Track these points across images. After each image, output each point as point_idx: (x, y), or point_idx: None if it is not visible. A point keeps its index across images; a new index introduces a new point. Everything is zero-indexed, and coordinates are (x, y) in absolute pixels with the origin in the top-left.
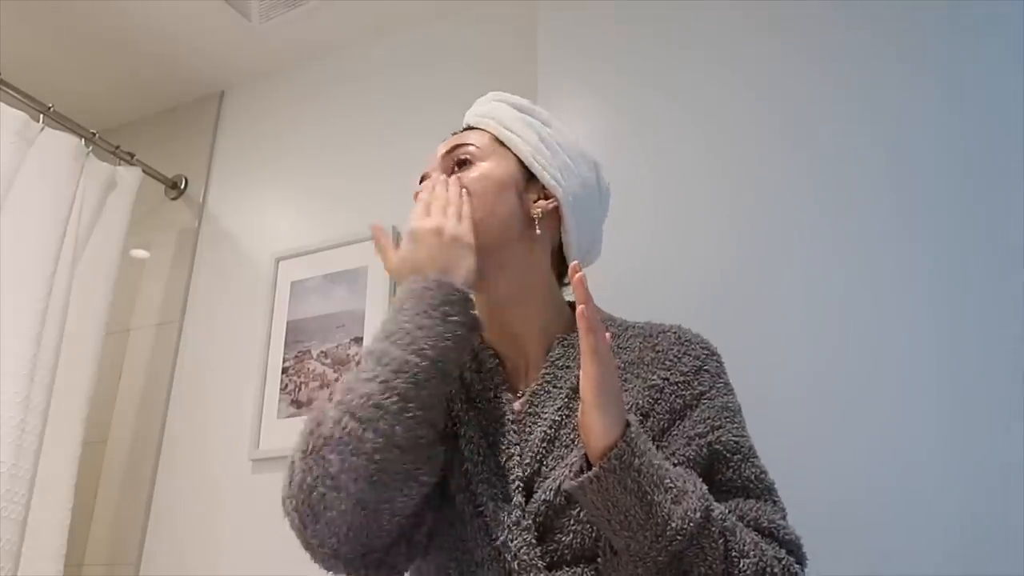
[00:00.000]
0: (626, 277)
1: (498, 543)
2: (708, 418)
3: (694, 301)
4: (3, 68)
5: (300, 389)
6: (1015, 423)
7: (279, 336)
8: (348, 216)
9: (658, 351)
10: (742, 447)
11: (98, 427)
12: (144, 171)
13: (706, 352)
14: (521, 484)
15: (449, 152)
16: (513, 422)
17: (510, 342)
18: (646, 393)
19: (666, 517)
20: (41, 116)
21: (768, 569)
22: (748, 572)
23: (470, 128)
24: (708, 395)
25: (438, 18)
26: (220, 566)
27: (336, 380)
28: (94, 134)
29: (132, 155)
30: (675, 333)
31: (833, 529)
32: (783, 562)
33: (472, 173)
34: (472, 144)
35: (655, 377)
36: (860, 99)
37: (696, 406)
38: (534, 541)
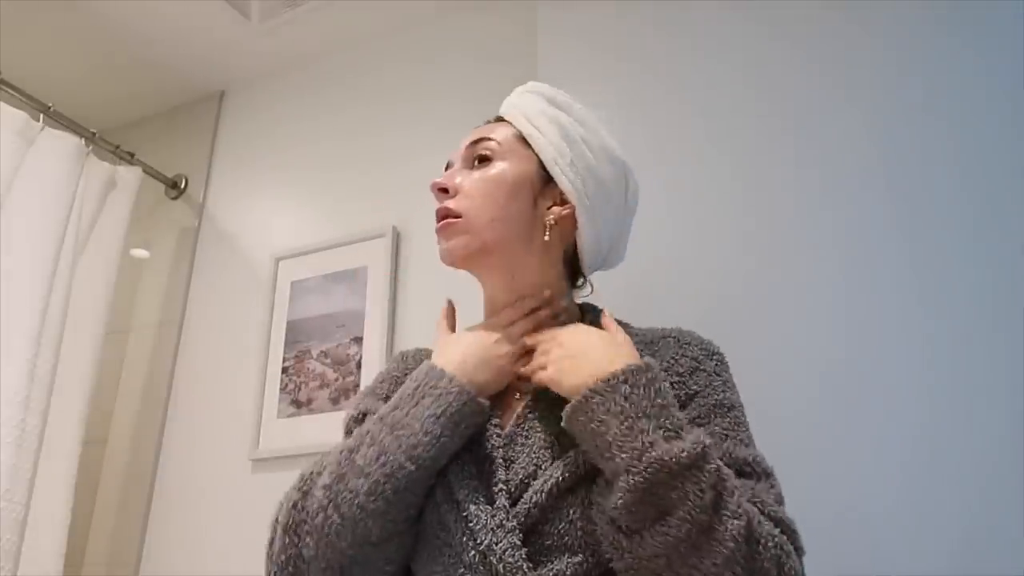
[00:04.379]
0: (629, 274)
1: (483, 546)
2: (697, 417)
3: (700, 299)
4: (3, 68)
5: (300, 389)
6: (1016, 423)
7: (279, 336)
8: (348, 216)
9: (657, 356)
10: (731, 437)
11: (98, 427)
12: (144, 171)
13: (704, 352)
14: (505, 488)
15: (472, 144)
16: (497, 426)
17: None
18: None
19: (648, 444)
20: (41, 116)
21: (761, 540)
22: (734, 533)
23: (500, 119)
24: (702, 394)
25: (438, 16)
26: (220, 566)
27: (336, 381)
28: (94, 134)
29: (132, 155)
30: (674, 337)
31: (834, 529)
32: (776, 539)
33: (489, 171)
34: (493, 140)
35: None
36: (864, 93)
37: (687, 405)
38: (519, 543)
